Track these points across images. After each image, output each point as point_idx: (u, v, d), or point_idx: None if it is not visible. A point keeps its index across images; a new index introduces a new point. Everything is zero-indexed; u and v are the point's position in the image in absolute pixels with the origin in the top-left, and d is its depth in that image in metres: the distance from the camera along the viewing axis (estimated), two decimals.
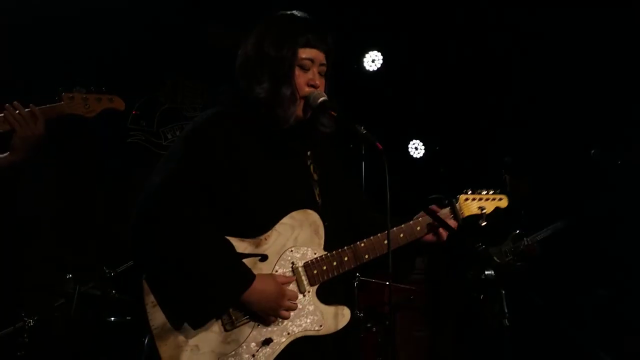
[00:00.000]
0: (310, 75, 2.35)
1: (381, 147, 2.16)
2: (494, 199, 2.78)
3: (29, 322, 3.84)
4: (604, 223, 4.85)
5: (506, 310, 2.03)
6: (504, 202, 2.79)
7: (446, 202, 2.66)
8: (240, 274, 2.17)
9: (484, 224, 2.67)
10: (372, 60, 6.02)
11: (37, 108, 2.57)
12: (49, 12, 4.85)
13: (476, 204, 2.72)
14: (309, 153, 2.48)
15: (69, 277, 3.84)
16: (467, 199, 2.71)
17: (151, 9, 5.31)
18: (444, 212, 2.63)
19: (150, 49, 5.46)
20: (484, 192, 2.77)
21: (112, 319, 4.08)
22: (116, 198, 4.99)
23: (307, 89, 2.34)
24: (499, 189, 2.80)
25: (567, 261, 5.03)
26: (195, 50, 5.72)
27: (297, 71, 2.33)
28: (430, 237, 2.56)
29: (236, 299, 2.15)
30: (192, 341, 2.14)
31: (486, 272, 2.08)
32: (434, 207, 2.59)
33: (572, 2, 5.16)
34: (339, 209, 2.49)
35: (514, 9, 5.37)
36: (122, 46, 5.25)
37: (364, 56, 6.05)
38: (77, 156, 5.10)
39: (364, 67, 6.06)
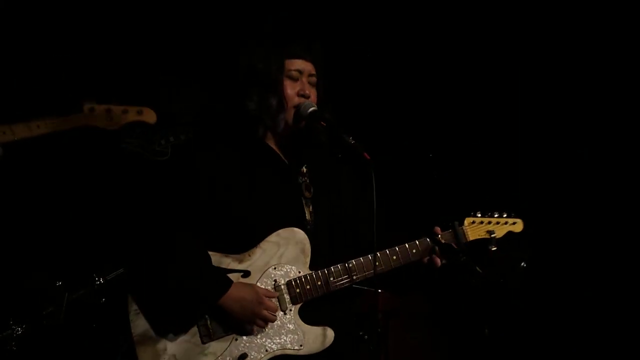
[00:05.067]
0: (299, 85, 2.38)
1: (369, 157, 2.17)
2: (506, 223, 2.63)
3: (17, 330, 3.82)
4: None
5: (487, 320, 2.03)
6: (518, 227, 2.65)
7: (449, 224, 2.53)
8: (217, 281, 2.20)
9: (494, 249, 2.54)
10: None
11: (49, 120, 2.26)
12: (38, 12, 4.82)
13: (484, 227, 2.59)
14: (304, 169, 2.47)
15: (59, 285, 3.81)
16: (473, 222, 2.59)
17: (146, 13, 5.29)
18: (446, 236, 2.52)
19: (146, 52, 5.44)
20: (496, 215, 2.62)
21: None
22: (107, 204, 4.95)
23: (297, 99, 2.37)
24: (514, 212, 2.64)
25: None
26: (190, 53, 5.69)
27: (286, 82, 2.37)
28: (427, 262, 2.48)
29: (212, 304, 2.17)
30: (170, 350, 2.18)
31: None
32: (437, 229, 2.50)
33: None
34: (337, 228, 2.45)
35: (505, 5, 5.35)
36: (116, 50, 5.22)
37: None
38: (68, 161, 5.06)
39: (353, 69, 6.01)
